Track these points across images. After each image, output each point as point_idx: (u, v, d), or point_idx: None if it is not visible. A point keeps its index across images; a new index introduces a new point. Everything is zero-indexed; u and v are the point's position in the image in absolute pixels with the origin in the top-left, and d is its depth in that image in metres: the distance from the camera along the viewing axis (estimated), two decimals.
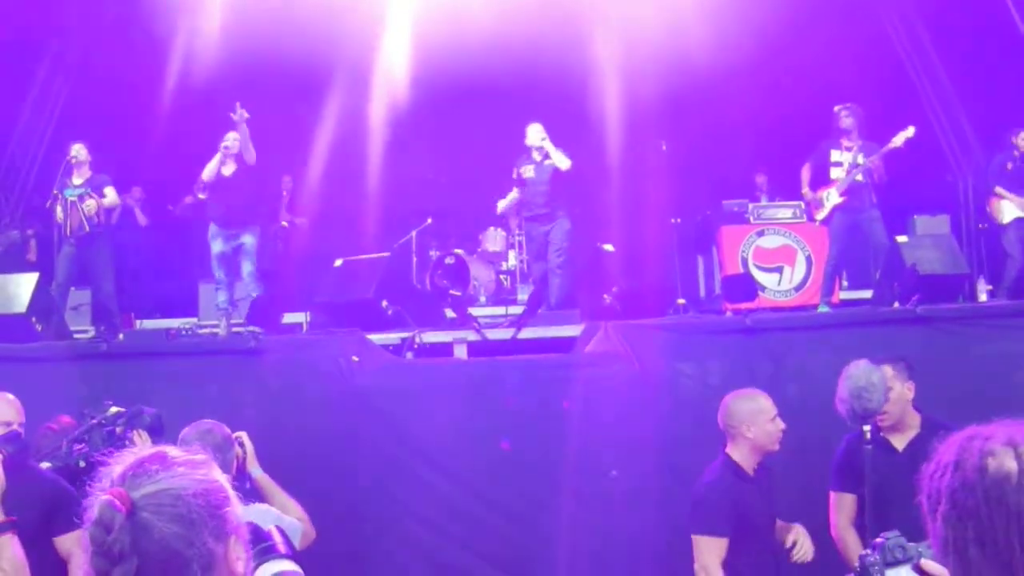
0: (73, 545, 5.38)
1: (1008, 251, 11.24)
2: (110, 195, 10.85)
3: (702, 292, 13.71)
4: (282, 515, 4.62)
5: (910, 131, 10.30)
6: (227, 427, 5.12)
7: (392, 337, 8.70)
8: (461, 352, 8.55)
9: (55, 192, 10.64)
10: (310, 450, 7.27)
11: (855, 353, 5.48)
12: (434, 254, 13.30)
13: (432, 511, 7.24)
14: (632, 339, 7.73)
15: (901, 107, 13.44)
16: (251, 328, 9.66)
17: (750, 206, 12.98)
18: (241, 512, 2.16)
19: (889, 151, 10.34)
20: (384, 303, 9.61)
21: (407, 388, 7.62)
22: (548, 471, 7.28)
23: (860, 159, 10.42)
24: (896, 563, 2.63)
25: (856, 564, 2.63)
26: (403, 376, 7.81)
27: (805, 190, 10.94)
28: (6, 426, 5.30)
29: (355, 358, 7.69)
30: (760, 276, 11.90)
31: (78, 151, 10.73)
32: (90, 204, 10.58)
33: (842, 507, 5.61)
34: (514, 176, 11.63)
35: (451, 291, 11.71)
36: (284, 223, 13.96)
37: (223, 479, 2.08)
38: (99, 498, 1.93)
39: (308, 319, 11.37)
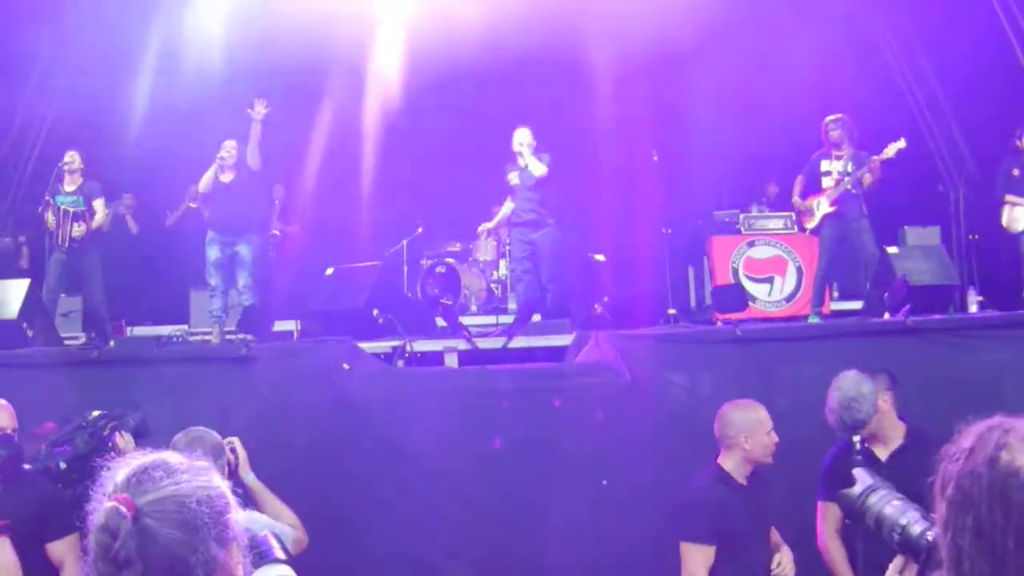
0: (66, 551, 5.39)
1: None
2: (99, 212, 10.79)
3: (692, 302, 13.72)
4: (273, 522, 4.62)
5: (901, 143, 10.33)
6: (217, 434, 5.12)
7: (383, 345, 8.71)
8: (452, 361, 8.56)
9: (47, 199, 10.61)
10: (301, 457, 7.27)
11: (845, 364, 5.50)
12: (425, 263, 13.30)
13: (423, 519, 7.23)
14: (623, 349, 7.74)
15: (892, 117, 13.47)
16: (243, 336, 9.66)
17: (741, 217, 13.00)
18: (240, 518, 2.17)
19: (881, 162, 10.35)
20: (375, 312, 9.61)
21: (398, 396, 7.62)
22: (538, 480, 7.28)
23: (850, 168, 10.45)
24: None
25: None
26: (394, 384, 7.81)
27: (795, 199, 10.97)
28: None
29: (346, 366, 7.69)
30: (751, 287, 11.91)
31: (71, 158, 10.71)
32: (79, 228, 10.55)
33: (829, 517, 5.63)
34: (508, 183, 11.57)
35: (442, 300, 11.69)
36: (275, 231, 13.94)
37: (224, 485, 2.09)
38: (103, 504, 1.93)
39: (299, 327, 11.36)
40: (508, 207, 11.52)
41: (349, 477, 7.33)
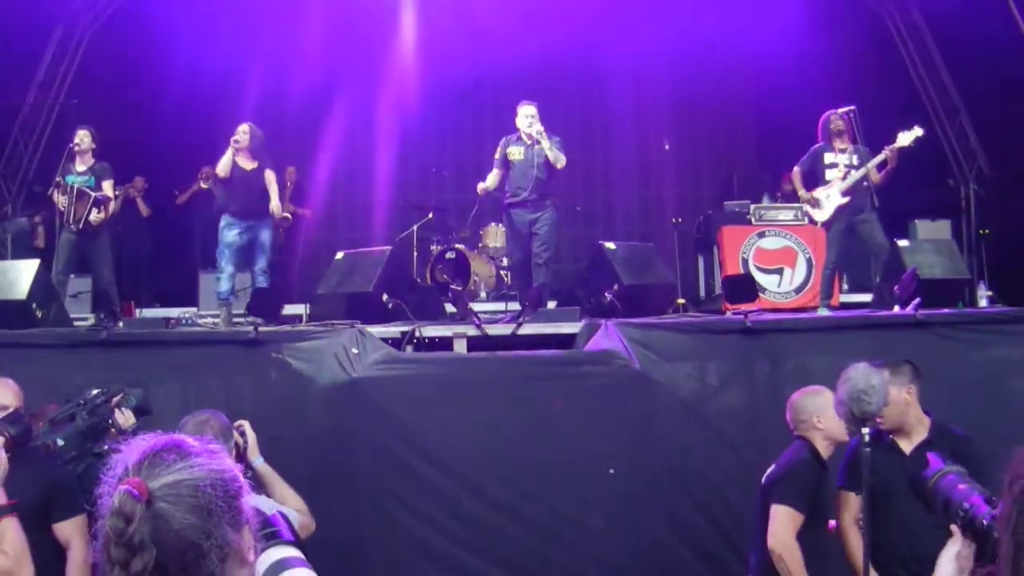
0: (74, 531, 5.39)
1: None
2: (112, 195, 10.79)
3: (702, 292, 13.71)
4: (280, 506, 4.62)
5: (918, 131, 10.25)
6: (225, 416, 5.12)
7: (392, 330, 8.69)
8: (461, 346, 8.54)
9: (57, 179, 10.60)
10: (309, 441, 7.28)
11: (854, 356, 5.48)
12: (435, 248, 13.28)
13: (428, 504, 7.23)
14: (632, 337, 7.74)
15: (904, 110, 13.45)
16: (252, 319, 9.66)
17: (751, 207, 12.97)
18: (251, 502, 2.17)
19: (898, 150, 10.29)
20: (384, 296, 9.60)
21: (406, 381, 7.61)
22: (545, 467, 7.29)
23: (855, 160, 10.39)
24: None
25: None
26: (402, 369, 7.79)
27: (801, 192, 10.89)
28: (3, 410, 5.31)
29: (355, 350, 7.68)
30: (760, 277, 11.88)
31: (82, 138, 10.68)
32: (97, 216, 10.54)
33: (846, 505, 5.63)
34: (497, 156, 11.06)
35: (452, 286, 11.66)
36: (286, 215, 13.94)
37: (238, 469, 2.08)
38: (117, 488, 1.92)
39: (308, 311, 11.36)
40: (494, 181, 11.09)
41: (356, 460, 7.34)
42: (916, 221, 13.42)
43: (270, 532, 2.69)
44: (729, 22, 14.42)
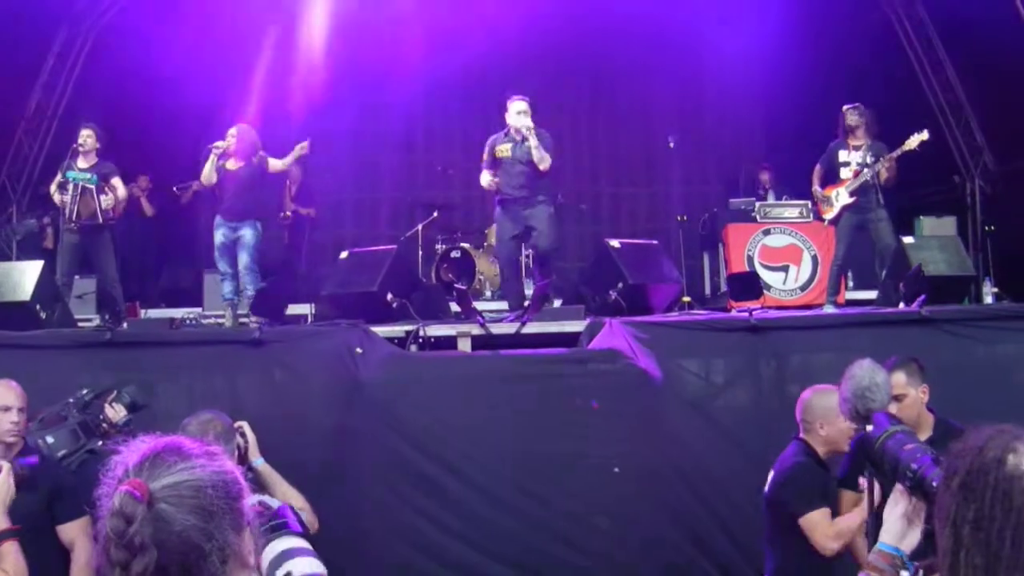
0: (78, 533, 5.40)
1: None
2: (121, 188, 10.81)
3: (707, 290, 13.71)
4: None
5: (924, 134, 10.23)
6: (228, 417, 5.12)
7: (396, 330, 8.68)
8: (465, 345, 8.54)
9: (60, 178, 10.61)
10: (312, 441, 7.27)
11: (859, 353, 5.46)
12: (440, 248, 13.28)
13: (432, 504, 7.22)
14: (636, 335, 7.73)
15: (909, 107, 13.45)
16: (257, 319, 9.66)
17: (757, 205, 12.97)
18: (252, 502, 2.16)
19: (903, 153, 10.28)
20: (389, 296, 9.59)
21: (410, 381, 7.61)
22: (550, 466, 7.28)
23: (869, 159, 10.39)
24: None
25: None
26: (407, 368, 7.79)
27: (815, 188, 10.89)
28: (3, 410, 5.33)
29: (359, 350, 7.67)
30: (766, 275, 11.88)
31: (86, 137, 10.68)
32: (107, 200, 10.55)
33: (846, 504, 5.61)
34: (485, 156, 10.85)
35: (456, 285, 11.63)
36: (288, 213, 13.93)
37: (238, 471, 2.07)
38: (117, 488, 1.91)
39: (313, 311, 11.36)
40: (489, 179, 10.80)
41: (360, 460, 7.33)
42: (921, 217, 13.41)
43: (278, 523, 2.69)
44: (735, 18, 14.40)
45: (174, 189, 14.05)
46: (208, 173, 10.95)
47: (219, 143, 10.96)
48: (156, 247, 14.66)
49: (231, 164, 11.00)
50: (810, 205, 12.10)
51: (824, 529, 5.24)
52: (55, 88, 14.30)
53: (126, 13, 14.33)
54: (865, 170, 10.37)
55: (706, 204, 14.77)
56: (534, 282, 10.63)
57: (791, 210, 12.64)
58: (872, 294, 11.18)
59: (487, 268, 12.90)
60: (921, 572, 2.64)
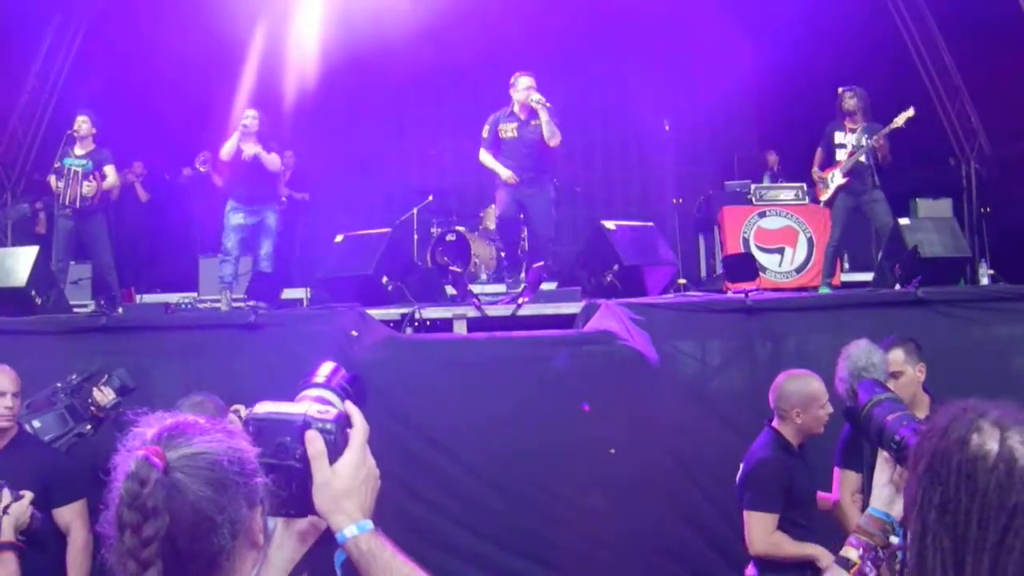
0: (74, 516, 5.43)
1: None
2: (110, 176, 10.76)
3: (703, 272, 13.72)
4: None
5: (910, 111, 10.23)
6: (219, 399, 5.13)
7: (392, 313, 8.69)
8: (461, 328, 8.54)
9: (56, 164, 10.60)
10: None
11: (855, 335, 5.49)
12: (435, 231, 13.26)
13: (429, 487, 7.22)
14: (632, 317, 7.73)
15: (904, 88, 13.43)
16: (253, 303, 9.66)
17: (752, 187, 12.97)
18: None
19: (891, 132, 10.28)
20: (384, 279, 9.60)
21: (406, 363, 7.61)
22: (546, 448, 7.28)
23: (863, 140, 10.39)
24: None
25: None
26: (402, 351, 7.80)
27: (815, 170, 10.89)
28: (0, 396, 5.34)
29: (354, 333, 7.68)
30: (761, 257, 11.89)
31: (81, 123, 10.67)
32: (89, 186, 10.53)
33: (846, 483, 5.63)
34: (485, 135, 10.72)
35: (452, 268, 11.62)
36: (283, 198, 13.92)
37: (253, 450, 2.07)
38: (134, 455, 1.91)
39: (308, 294, 11.35)
40: (491, 161, 10.66)
41: None
42: (917, 199, 13.41)
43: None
44: (729, 1, 14.40)
45: (166, 177, 14.04)
46: (229, 149, 10.87)
47: (247, 122, 10.88)
48: (150, 232, 14.64)
49: (248, 147, 10.90)
50: (805, 187, 12.10)
51: (761, 532, 5.28)
52: (49, 74, 14.27)
53: None
54: (858, 150, 10.37)
55: (701, 187, 14.76)
56: (529, 266, 10.60)
57: (786, 192, 12.64)
58: (868, 276, 11.18)
59: (482, 251, 12.88)
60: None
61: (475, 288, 10.63)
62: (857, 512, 5.52)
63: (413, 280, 10.01)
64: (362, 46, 14.34)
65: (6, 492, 4.34)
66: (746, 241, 12.25)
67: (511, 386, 7.45)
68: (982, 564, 1.82)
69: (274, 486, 2.09)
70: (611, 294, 9.00)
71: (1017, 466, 1.83)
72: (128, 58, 13.83)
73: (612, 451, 7.21)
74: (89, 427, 5.87)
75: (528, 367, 7.52)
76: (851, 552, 2.85)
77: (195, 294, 12.51)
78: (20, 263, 9.08)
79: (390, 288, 9.56)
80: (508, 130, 10.56)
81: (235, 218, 11.02)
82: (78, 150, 10.65)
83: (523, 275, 10.76)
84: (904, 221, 10.10)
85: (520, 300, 8.96)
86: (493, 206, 12.31)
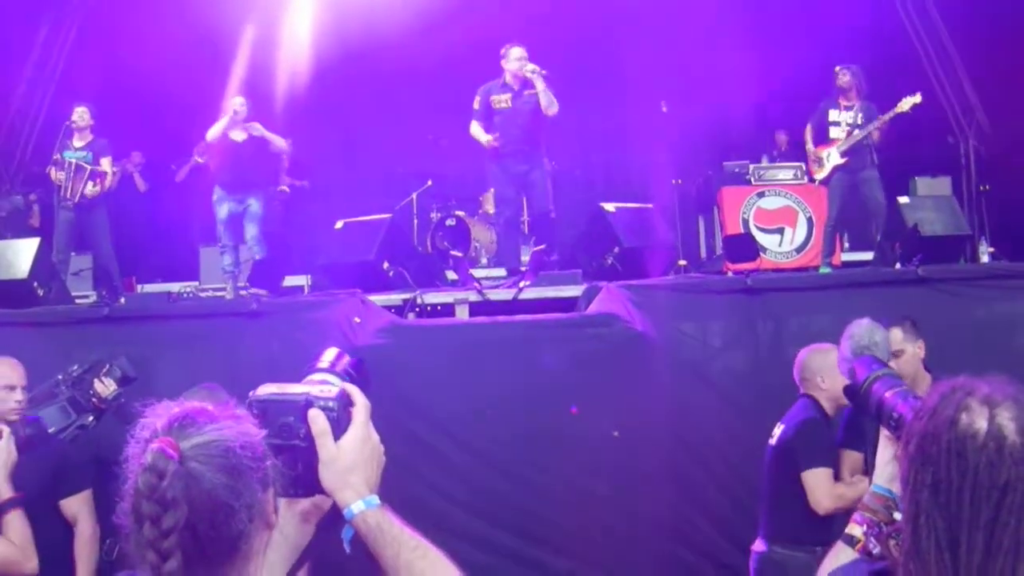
0: (80, 507, 5.45)
1: None
2: (110, 172, 10.79)
3: (703, 253, 13.72)
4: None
5: (917, 97, 10.24)
6: (224, 391, 5.13)
7: (394, 298, 8.69)
8: (463, 313, 8.55)
9: (55, 156, 10.61)
10: None
11: (856, 314, 5.48)
12: (435, 216, 13.26)
13: (434, 472, 7.22)
14: (633, 299, 7.74)
15: (902, 67, 13.41)
16: (255, 290, 9.66)
17: (751, 167, 12.96)
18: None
19: (895, 116, 10.29)
20: (385, 265, 9.60)
21: (409, 349, 7.61)
22: (549, 431, 7.28)
23: (860, 120, 10.38)
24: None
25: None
26: (406, 337, 7.80)
27: (809, 147, 10.89)
28: (8, 389, 5.34)
29: (357, 319, 7.69)
30: (761, 237, 11.88)
31: (80, 115, 10.69)
32: (94, 189, 10.55)
33: (846, 463, 5.64)
34: (476, 106, 10.62)
35: (452, 252, 11.62)
36: (284, 187, 13.91)
37: (262, 434, 2.09)
38: (147, 448, 1.93)
39: (310, 281, 11.36)
40: (481, 133, 10.53)
41: None
42: (916, 178, 13.40)
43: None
44: None
45: (173, 167, 14.03)
46: (216, 132, 10.90)
47: (237, 108, 10.91)
48: (150, 222, 14.63)
49: (234, 134, 10.94)
50: (804, 167, 12.10)
51: (825, 488, 5.29)
52: (46, 66, 14.24)
53: None
54: (856, 131, 10.38)
55: (700, 167, 14.74)
56: (532, 246, 10.57)
57: (785, 172, 12.65)
58: (868, 255, 11.19)
59: (483, 235, 12.88)
60: None
61: (476, 272, 10.63)
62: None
63: (414, 265, 10.02)
64: (357, 32, 14.31)
65: None
66: (745, 222, 12.25)
67: (514, 369, 7.45)
68: (977, 541, 1.83)
69: (282, 467, 2.11)
70: (611, 276, 9.00)
71: (1007, 443, 1.85)
72: (124, 48, 13.78)
73: (616, 434, 7.22)
74: (91, 419, 5.89)
75: (531, 350, 7.52)
76: (855, 529, 2.85)
77: (196, 283, 12.52)
78: (21, 255, 9.09)
79: (391, 274, 9.57)
80: (502, 100, 10.44)
81: (222, 209, 11.10)
82: (77, 141, 10.66)
83: (525, 258, 10.72)
84: (904, 200, 10.11)
85: (521, 284, 8.95)
86: (492, 190, 12.27)
